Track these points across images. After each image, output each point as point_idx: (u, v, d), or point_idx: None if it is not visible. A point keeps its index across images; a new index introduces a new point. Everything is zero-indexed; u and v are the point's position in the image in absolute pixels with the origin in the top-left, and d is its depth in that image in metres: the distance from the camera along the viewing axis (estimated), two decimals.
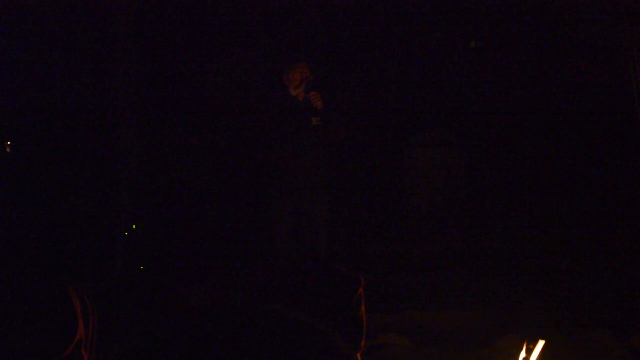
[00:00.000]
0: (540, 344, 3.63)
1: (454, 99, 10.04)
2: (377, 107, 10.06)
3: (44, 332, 1.57)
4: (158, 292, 1.85)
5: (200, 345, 0.89)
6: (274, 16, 9.23)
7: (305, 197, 5.63)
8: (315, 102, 5.47)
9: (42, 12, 8.70)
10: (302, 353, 0.89)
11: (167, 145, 9.50)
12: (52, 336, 1.58)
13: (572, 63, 9.25)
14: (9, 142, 9.79)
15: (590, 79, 9.09)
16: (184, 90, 9.49)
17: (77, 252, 7.73)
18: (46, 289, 1.62)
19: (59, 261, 7.32)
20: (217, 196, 9.57)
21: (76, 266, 7.10)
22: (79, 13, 8.69)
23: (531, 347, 3.74)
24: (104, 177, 8.66)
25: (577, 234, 8.44)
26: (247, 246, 8.15)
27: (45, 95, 9.27)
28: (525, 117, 9.86)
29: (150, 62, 8.74)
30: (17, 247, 7.79)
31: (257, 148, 6.72)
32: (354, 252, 8.07)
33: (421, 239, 8.60)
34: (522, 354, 3.76)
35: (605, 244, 8.02)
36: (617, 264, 7.24)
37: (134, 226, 7.49)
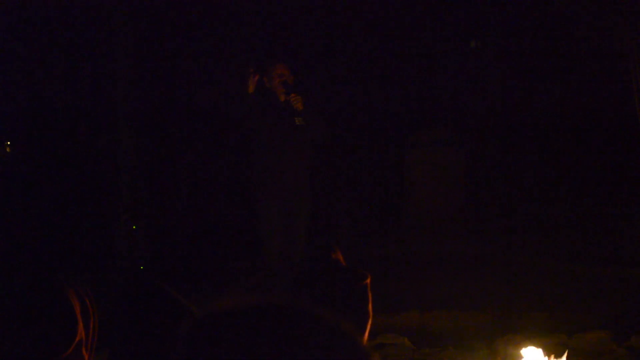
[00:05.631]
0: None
1: (454, 98, 10.05)
2: (377, 107, 10.06)
3: (43, 333, 1.56)
4: (158, 294, 1.85)
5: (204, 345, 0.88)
6: (268, 15, 9.23)
7: (291, 197, 5.67)
8: (295, 104, 5.50)
9: (42, 13, 8.70)
10: (312, 345, 0.88)
11: (167, 145, 9.51)
12: (51, 337, 1.57)
13: (573, 63, 9.25)
14: (9, 142, 9.78)
15: (591, 79, 9.09)
16: (184, 89, 9.49)
17: (77, 252, 7.73)
18: (45, 289, 1.61)
19: (59, 261, 7.32)
20: (214, 196, 9.57)
21: (76, 266, 7.10)
22: (79, 14, 8.70)
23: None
24: (104, 178, 8.67)
25: (577, 234, 8.43)
26: (244, 245, 8.15)
27: (46, 96, 9.27)
28: (525, 116, 9.86)
29: (150, 62, 8.75)
30: (17, 247, 7.79)
31: (244, 148, 6.74)
32: (354, 252, 8.07)
33: (421, 239, 8.60)
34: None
35: (605, 244, 8.01)
36: (616, 264, 7.24)
37: (134, 227, 7.48)
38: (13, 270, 6.71)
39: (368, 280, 2.13)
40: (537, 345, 4.03)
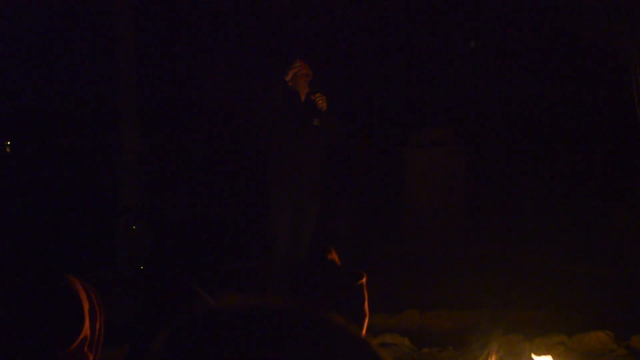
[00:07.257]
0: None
1: (455, 98, 10.05)
2: (377, 106, 10.07)
3: (48, 327, 1.57)
4: (167, 292, 1.85)
5: (205, 346, 0.88)
6: (273, 16, 9.24)
7: (304, 196, 5.68)
8: (321, 105, 5.52)
9: (43, 13, 8.71)
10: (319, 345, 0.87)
11: (168, 145, 9.51)
12: (56, 331, 1.57)
13: (573, 63, 9.25)
14: (9, 142, 9.79)
15: (591, 79, 9.09)
16: (184, 89, 9.50)
17: (77, 252, 7.73)
18: (54, 284, 1.62)
19: (60, 260, 7.32)
20: (218, 195, 9.57)
21: (77, 265, 7.10)
22: (79, 13, 8.70)
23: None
24: (104, 177, 8.67)
25: (577, 233, 8.44)
26: (246, 244, 8.16)
27: (46, 96, 9.28)
28: (525, 116, 9.87)
29: (150, 62, 8.75)
30: (19, 246, 7.79)
31: (258, 146, 6.75)
32: (354, 252, 8.08)
33: (421, 239, 8.59)
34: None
35: (605, 244, 8.01)
36: (616, 264, 7.24)
37: (134, 227, 7.49)
38: (18, 266, 6.71)
39: (364, 280, 2.13)
40: (538, 346, 4.03)
